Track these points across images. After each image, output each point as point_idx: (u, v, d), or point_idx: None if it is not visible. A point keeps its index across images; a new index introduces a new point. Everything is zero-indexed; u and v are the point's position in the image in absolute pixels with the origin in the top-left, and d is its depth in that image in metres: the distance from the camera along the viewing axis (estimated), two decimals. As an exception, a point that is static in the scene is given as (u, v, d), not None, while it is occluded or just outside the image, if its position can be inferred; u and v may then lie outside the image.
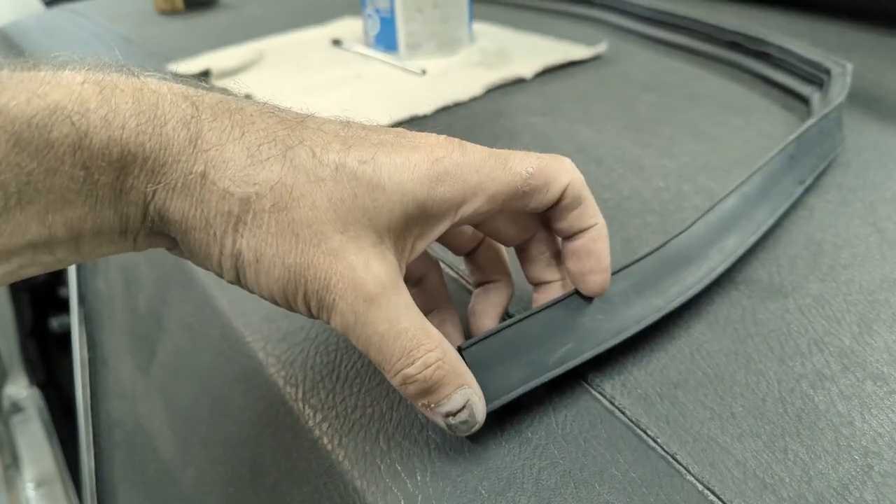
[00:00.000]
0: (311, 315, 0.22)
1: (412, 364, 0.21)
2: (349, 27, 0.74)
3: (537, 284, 0.27)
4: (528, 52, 0.61)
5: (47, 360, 1.14)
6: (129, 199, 0.20)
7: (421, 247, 0.23)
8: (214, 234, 0.20)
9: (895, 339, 0.27)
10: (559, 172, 0.23)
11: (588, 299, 0.25)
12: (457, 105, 0.51)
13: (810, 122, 0.37)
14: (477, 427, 0.22)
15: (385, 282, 0.21)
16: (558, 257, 0.27)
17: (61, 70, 0.19)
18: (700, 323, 0.28)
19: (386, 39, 0.62)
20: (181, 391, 0.39)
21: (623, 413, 0.24)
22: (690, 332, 0.27)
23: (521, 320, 0.24)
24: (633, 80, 0.55)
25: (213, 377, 0.35)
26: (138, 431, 0.46)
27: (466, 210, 0.22)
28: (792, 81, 0.50)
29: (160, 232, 0.21)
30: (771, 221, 0.31)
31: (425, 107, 0.50)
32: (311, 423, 0.27)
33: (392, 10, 0.60)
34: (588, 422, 0.24)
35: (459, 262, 0.33)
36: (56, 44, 0.83)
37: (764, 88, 0.52)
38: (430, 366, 0.21)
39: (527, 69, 0.56)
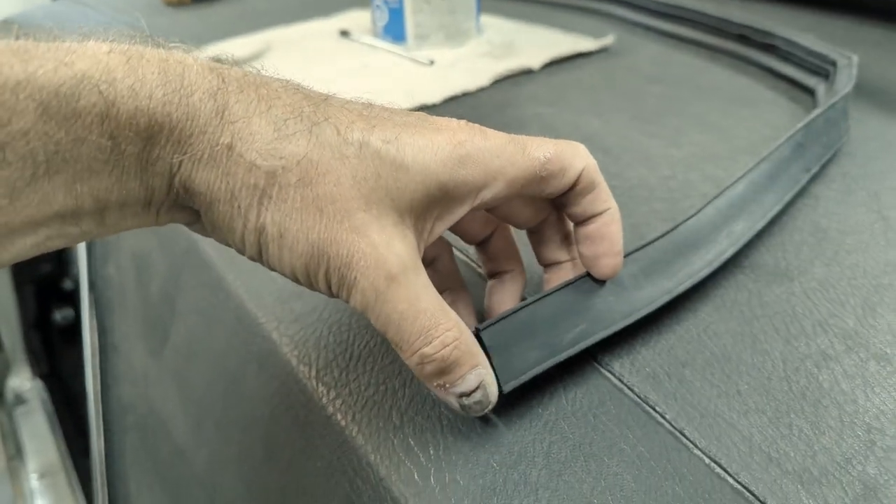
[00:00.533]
0: (330, 293, 0.22)
1: (430, 343, 0.21)
2: (356, 19, 0.74)
3: (548, 265, 0.28)
4: (535, 43, 0.62)
5: (51, 351, 1.14)
6: (154, 169, 0.20)
7: (440, 229, 0.23)
8: (239, 207, 0.21)
9: (898, 321, 0.27)
10: (574, 157, 0.24)
11: (599, 282, 0.26)
12: (465, 95, 0.52)
13: (817, 111, 0.37)
14: (490, 407, 0.23)
15: (406, 261, 0.21)
16: (569, 238, 0.27)
17: (87, 40, 0.19)
18: (707, 305, 0.28)
19: (394, 30, 0.62)
20: (194, 374, 0.39)
21: (632, 390, 0.25)
22: (698, 314, 0.28)
23: (534, 302, 0.25)
24: (640, 72, 0.55)
25: (227, 359, 0.35)
26: (150, 415, 0.47)
27: (486, 195, 0.23)
28: (798, 73, 0.50)
29: (184, 205, 0.21)
30: (778, 207, 0.32)
31: (434, 96, 0.50)
32: (324, 399, 0.27)
33: (400, 1, 0.60)
34: (598, 399, 0.24)
35: (470, 248, 0.33)
36: (63, 36, 0.83)
37: (770, 80, 0.53)
38: (447, 345, 0.21)
39: (534, 60, 0.57)
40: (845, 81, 0.42)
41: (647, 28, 0.67)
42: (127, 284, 0.52)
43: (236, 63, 0.23)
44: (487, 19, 0.71)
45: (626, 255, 0.26)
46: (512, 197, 0.24)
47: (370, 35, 0.66)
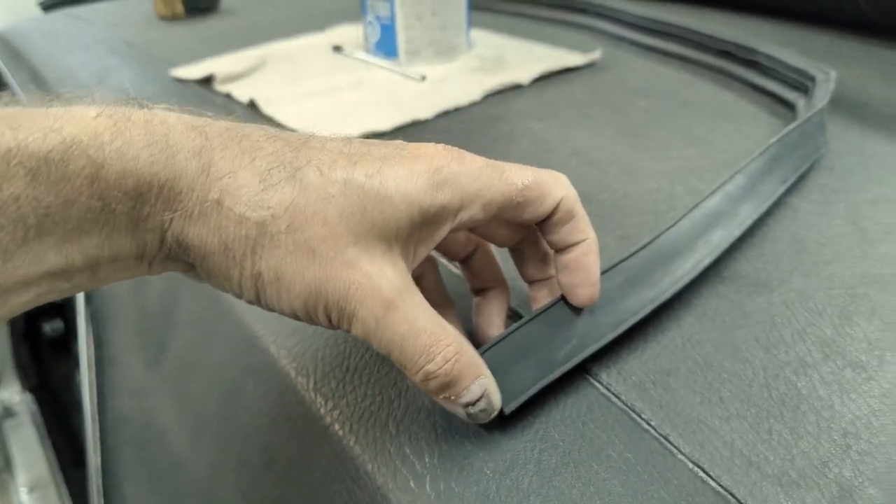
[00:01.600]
0: (331, 326, 0.23)
1: (432, 360, 0.22)
2: (349, 34, 0.75)
3: (532, 282, 0.29)
4: (524, 58, 0.63)
5: (40, 364, 1.14)
6: (146, 226, 0.21)
7: (424, 252, 0.24)
8: (234, 257, 0.22)
9: (874, 329, 0.28)
10: (553, 187, 0.25)
11: None
12: (457, 110, 0.53)
13: (792, 126, 0.38)
14: (494, 414, 0.24)
15: (399, 286, 0.22)
16: (549, 255, 0.28)
17: (74, 104, 0.20)
18: (690, 315, 0.30)
19: (386, 46, 0.63)
20: (192, 386, 0.40)
21: (619, 398, 0.26)
22: (681, 325, 0.29)
23: (526, 323, 0.26)
24: (626, 87, 0.56)
25: (225, 371, 0.36)
26: (147, 427, 0.48)
27: (464, 216, 0.24)
28: (780, 88, 0.52)
29: (177, 258, 0.22)
30: (754, 217, 0.33)
31: (426, 111, 0.51)
32: (322, 410, 0.28)
33: (392, 18, 0.61)
34: (585, 407, 0.25)
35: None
36: (57, 49, 0.84)
37: (753, 95, 0.54)
38: (449, 360, 0.22)
39: (524, 75, 0.58)
40: (822, 96, 0.43)
41: (634, 43, 0.68)
42: (123, 297, 0.53)
43: (217, 116, 0.23)
44: (478, 34, 0.72)
45: (611, 267, 0.28)
46: (489, 219, 0.25)
47: (362, 50, 0.67)
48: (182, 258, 0.22)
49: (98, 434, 0.57)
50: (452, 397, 0.23)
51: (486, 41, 0.70)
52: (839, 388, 0.26)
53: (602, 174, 0.42)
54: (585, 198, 0.39)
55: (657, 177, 0.41)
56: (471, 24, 0.66)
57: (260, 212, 0.21)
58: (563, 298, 0.27)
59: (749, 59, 0.56)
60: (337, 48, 0.69)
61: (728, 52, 0.58)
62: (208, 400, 0.38)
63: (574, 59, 0.62)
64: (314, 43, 0.73)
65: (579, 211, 0.26)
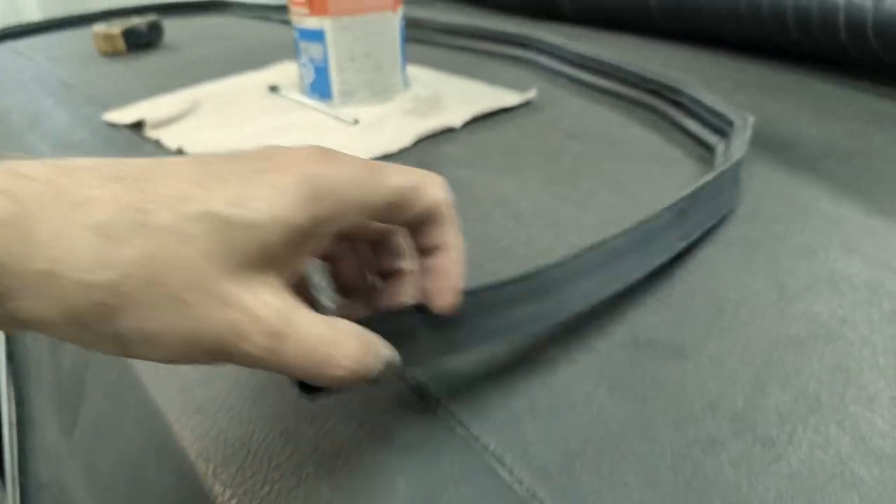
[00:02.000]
0: (217, 364, 0.21)
1: (338, 366, 0.22)
2: (288, 72, 0.74)
3: (389, 274, 0.28)
4: (459, 98, 0.62)
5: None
6: None
7: (303, 265, 0.23)
8: (87, 325, 0.19)
9: (786, 399, 0.28)
10: (428, 188, 0.24)
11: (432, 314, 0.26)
12: (386, 156, 0.52)
13: (699, 183, 0.38)
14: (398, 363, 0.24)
15: (284, 310, 0.21)
16: (410, 250, 0.28)
17: None
18: (602, 387, 0.29)
19: (320, 87, 0.62)
20: (102, 459, 0.38)
21: (521, 484, 0.25)
22: (592, 399, 0.28)
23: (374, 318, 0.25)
24: (558, 129, 0.56)
25: (132, 446, 0.34)
26: (62, 495, 0.45)
27: (344, 224, 0.23)
28: (702, 131, 0.52)
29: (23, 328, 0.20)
30: (640, 273, 0.33)
31: (354, 159, 0.50)
32: (219, 500, 0.26)
33: (325, 60, 0.60)
34: (488, 497, 0.24)
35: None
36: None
37: (680, 137, 0.54)
38: (351, 359, 0.22)
39: (457, 118, 0.57)
40: (739, 146, 0.43)
41: (570, 79, 0.68)
42: (42, 357, 0.51)
43: (42, 160, 0.20)
44: (414, 70, 0.71)
45: (473, 290, 0.26)
46: (366, 222, 0.24)
47: (298, 91, 0.66)
48: (30, 329, 0.20)
49: (19, 498, 0.55)
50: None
51: (423, 78, 0.69)
52: (747, 469, 0.25)
53: (525, 227, 0.41)
54: (505, 253, 0.39)
55: (579, 230, 0.40)
56: (406, 62, 0.66)
57: (106, 273, 0.18)
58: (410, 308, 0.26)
59: (675, 100, 0.56)
60: (273, 88, 0.68)
61: (657, 91, 0.58)
62: (116, 476, 0.36)
63: (509, 99, 0.61)
64: (251, 82, 0.72)
65: (451, 217, 0.25)
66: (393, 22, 0.61)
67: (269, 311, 0.20)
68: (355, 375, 0.22)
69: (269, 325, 0.20)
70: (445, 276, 0.25)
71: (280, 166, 0.21)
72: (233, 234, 0.20)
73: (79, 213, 0.19)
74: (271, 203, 0.20)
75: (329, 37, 0.59)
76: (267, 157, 0.22)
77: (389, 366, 0.23)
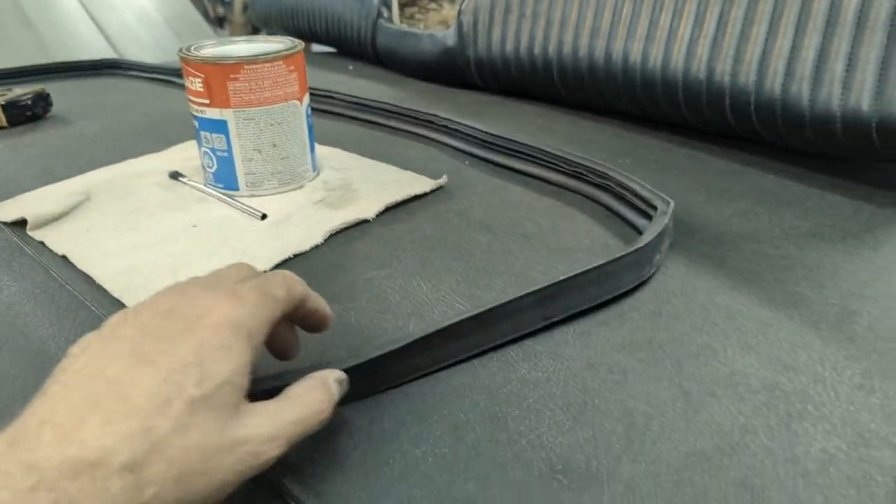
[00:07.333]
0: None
1: (321, 411, 0.30)
2: (189, 152, 0.71)
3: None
4: (372, 185, 0.62)
5: None
6: None
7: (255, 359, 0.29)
8: None
9: (697, 526, 0.28)
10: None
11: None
12: (297, 256, 0.51)
13: (584, 268, 0.42)
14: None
15: (273, 421, 0.28)
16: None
17: None
18: (522, 528, 0.29)
19: (225, 177, 0.61)
20: None
21: None
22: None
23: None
24: (470, 219, 0.57)
25: None
26: None
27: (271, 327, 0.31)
28: (630, 213, 0.55)
29: None
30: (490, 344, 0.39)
31: (264, 262, 0.49)
32: None
33: (230, 150, 0.59)
34: None
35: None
36: None
37: (603, 219, 0.56)
38: (322, 400, 0.30)
39: (370, 209, 0.57)
40: (653, 229, 0.47)
41: (485, 161, 0.69)
42: None
43: None
44: (323, 150, 0.71)
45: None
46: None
47: (201, 178, 0.64)
48: None
49: None
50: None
51: (333, 161, 0.69)
52: None
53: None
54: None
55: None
56: (314, 147, 0.65)
57: None
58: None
59: (601, 184, 0.59)
60: (174, 175, 0.66)
61: (581, 174, 0.60)
62: None
63: (421, 185, 0.62)
64: (150, 168, 0.69)
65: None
66: (299, 111, 0.61)
67: (262, 429, 0.27)
68: (332, 402, 0.30)
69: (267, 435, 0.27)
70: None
71: (198, 325, 0.28)
72: (190, 456, 0.25)
73: None
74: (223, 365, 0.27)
75: (232, 128, 0.58)
76: (188, 328, 0.27)
77: (343, 382, 0.32)
